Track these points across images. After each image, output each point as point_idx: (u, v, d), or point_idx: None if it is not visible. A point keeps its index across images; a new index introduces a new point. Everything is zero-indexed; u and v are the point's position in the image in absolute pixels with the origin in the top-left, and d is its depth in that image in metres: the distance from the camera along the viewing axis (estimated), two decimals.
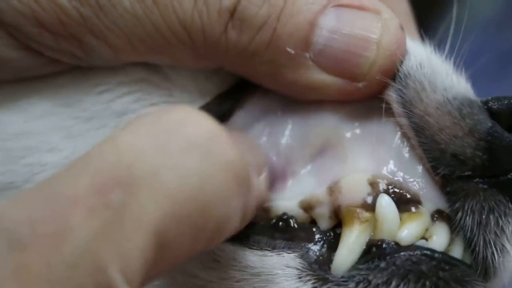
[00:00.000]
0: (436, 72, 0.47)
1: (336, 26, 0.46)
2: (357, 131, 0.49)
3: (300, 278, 0.45)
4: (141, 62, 0.47)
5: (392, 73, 0.47)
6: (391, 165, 0.47)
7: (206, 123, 0.38)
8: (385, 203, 0.45)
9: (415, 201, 0.46)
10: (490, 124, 0.46)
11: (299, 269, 0.45)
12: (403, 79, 0.47)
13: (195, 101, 0.48)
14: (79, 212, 0.33)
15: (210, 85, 0.49)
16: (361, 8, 0.46)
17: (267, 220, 0.47)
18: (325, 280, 0.45)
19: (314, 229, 0.47)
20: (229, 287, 0.45)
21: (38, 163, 0.47)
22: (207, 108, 0.48)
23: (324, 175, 0.48)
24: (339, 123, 0.49)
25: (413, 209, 0.46)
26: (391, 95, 0.47)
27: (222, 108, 0.49)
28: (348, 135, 0.49)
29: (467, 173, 0.46)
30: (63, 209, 0.33)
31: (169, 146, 0.36)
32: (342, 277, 0.45)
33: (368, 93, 0.47)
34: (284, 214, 0.47)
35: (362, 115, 0.49)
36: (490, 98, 0.47)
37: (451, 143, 0.46)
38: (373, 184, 0.47)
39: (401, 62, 0.47)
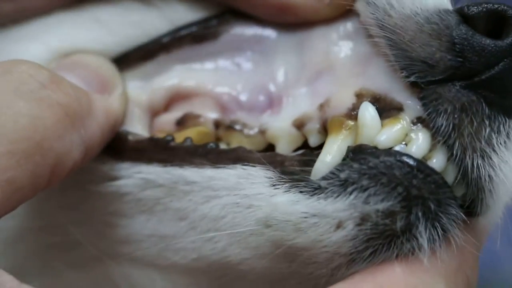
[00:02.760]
0: None
1: None
2: (348, 52, 0.50)
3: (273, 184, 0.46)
4: None
5: None
6: (379, 81, 0.48)
7: (36, 71, 0.43)
8: (366, 109, 0.47)
9: (397, 109, 0.47)
10: (458, 27, 0.46)
11: (269, 177, 0.47)
12: (371, 1, 0.48)
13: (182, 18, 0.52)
14: None
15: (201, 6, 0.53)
16: None
17: None
18: (299, 181, 0.46)
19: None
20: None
21: None
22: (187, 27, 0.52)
23: (317, 95, 0.50)
24: (331, 47, 0.51)
25: (394, 114, 0.47)
26: (366, 19, 0.49)
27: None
28: (339, 57, 0.50)
29: (438, 77, 0.46)
30: None
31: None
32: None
33: (337, 10, 0.50)
34: None
35: (352, 37, 0.51)
36: (467, 4, 0.47)
37: (420, 50, 0.46)
38: (359, 96, 0.48)
39: None
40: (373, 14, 0.48)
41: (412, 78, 0.47)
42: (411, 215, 0.44)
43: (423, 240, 0.44)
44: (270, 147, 0.51)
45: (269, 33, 0.53)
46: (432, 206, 0.44)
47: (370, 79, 0.49)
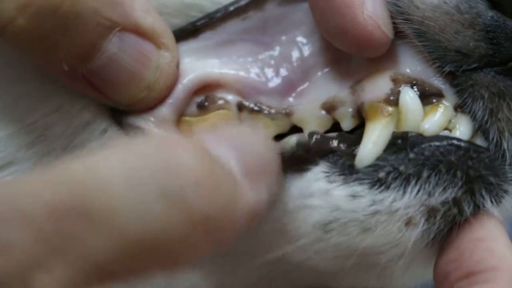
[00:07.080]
0: None
1: (116, 55, 0.46)
2: None
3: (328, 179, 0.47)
4: None
5: None
6: (410, 65, 0.49)
7: (192, 168, 0.35)
8: (408, 95, 0.47)
9: (437, 95, 0.48)
10: (490, 14, 0.47)
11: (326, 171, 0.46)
12: None
13: None
14: (26, 232, 0.32)
15: None
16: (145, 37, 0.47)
17: None
18: (352, 171, 0.46)
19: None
20: None
21: None
22: None
23: (344, 77, 0.50)
24: None
25: (435, 101, 0.48)
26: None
27: None
28: None
29: (473, 65, 0.47)
30: (11, 224, 0.32)
31: (139, 186, 0.34)
32: (370, 166, 0.46)
33: None
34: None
35: None
36: None
37: (453, 40, 0.47)
38: (395, 80, 0.48)
39: None
40: (398, 7, 0.48)
41: (447, 68, 0.48)
42: (476, 196, 0.46)
43: (492, 210, 0.46)
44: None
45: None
46: (493, 180, 0.46)
47: (400, 64, 0.49)
